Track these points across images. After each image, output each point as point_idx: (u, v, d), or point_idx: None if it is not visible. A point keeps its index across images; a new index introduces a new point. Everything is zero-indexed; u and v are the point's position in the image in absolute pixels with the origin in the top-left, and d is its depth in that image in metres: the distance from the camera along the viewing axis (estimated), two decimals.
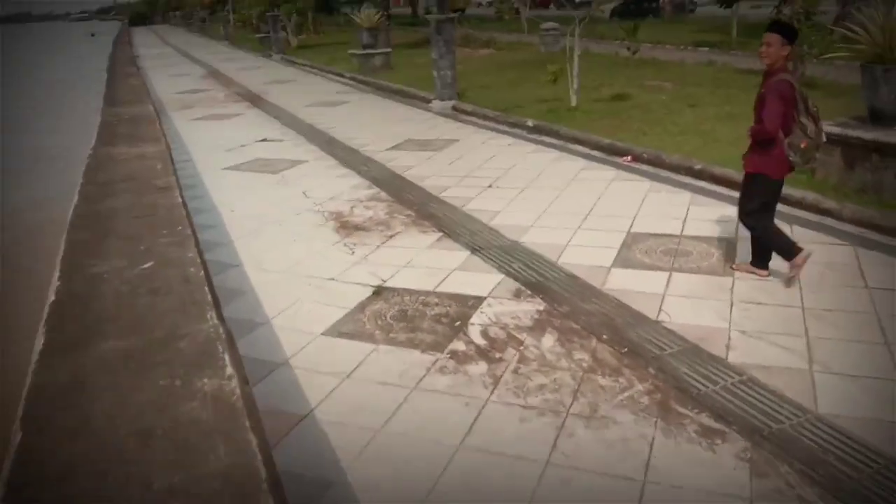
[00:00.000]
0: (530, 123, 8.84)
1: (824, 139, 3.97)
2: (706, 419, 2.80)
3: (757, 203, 4.01)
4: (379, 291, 4.22)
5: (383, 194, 6.46)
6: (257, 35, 26.69)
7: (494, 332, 3.65)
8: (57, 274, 4.15)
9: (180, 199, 5.66)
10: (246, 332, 3.73)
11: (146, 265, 4.06)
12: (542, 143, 8.18)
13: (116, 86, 13.14)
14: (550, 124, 8.66)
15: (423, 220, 5.61)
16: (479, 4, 45.69)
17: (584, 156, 7.47)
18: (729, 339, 3.45)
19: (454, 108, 10.72)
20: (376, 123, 10.18)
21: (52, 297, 3.73)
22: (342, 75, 15.82)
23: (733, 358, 3.26)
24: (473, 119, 10.00)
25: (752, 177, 4.03)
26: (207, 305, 3.54)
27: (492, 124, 9.53)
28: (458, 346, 3.51)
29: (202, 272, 4.08)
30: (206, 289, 3.82)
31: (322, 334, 3.70)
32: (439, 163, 7.58)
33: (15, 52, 62.15)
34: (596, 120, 8.86)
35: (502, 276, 4.39)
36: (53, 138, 13.61)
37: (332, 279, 4.48)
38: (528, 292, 4.11)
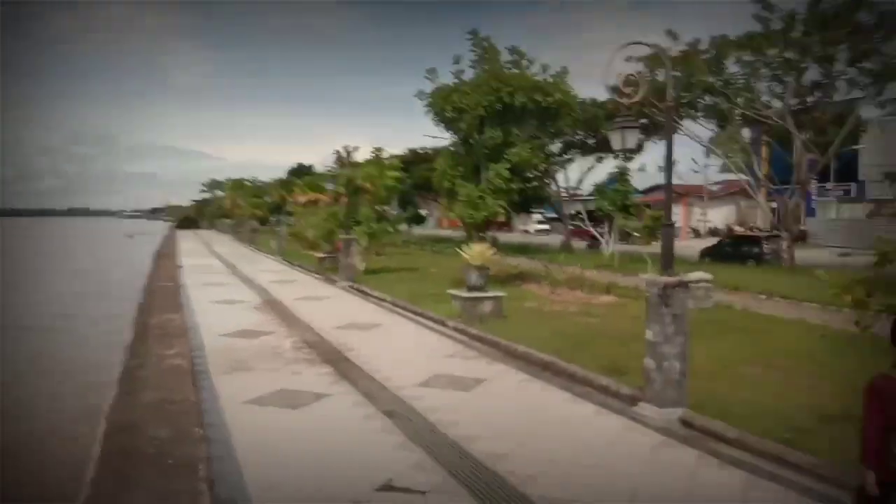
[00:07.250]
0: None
1: None
2: None
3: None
4: None
5: None
6: (317, 255, 23.82)
7: None
8: None
9: None
10: None
11: None
12: None
13: (142, 373, 7.79)
14: None
15: None
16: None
17: None
18: None
19: (684, 423, 6.49)
20: (565, 451, 5.88)
21: None
22: (444, 323, 11.99)
23: None
24: (731, 451, 5.71)
25: None
26: None
27: (772, 466, 5.30)
28: None
29: None
30: None
31: None
32: None
33: (42, 250, 58.69)
34: None
35: None
36: None
37: None
38: None
